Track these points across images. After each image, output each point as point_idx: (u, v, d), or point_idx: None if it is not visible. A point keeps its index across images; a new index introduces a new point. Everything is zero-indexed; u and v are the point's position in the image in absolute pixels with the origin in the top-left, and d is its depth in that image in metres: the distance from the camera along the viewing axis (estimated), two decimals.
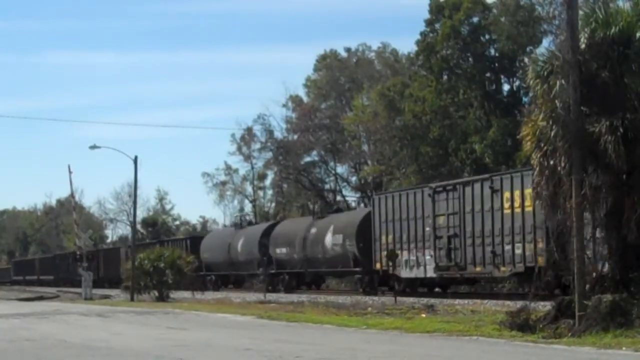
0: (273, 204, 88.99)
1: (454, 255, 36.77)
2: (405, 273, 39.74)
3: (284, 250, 50.80)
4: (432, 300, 34.11)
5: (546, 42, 52.56)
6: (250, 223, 63.98)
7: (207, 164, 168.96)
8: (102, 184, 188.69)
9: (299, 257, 48.94)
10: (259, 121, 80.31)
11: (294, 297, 43.02)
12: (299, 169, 78.60)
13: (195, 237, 66.87)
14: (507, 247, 33.69)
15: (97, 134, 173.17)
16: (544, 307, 22.74)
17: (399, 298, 36.31)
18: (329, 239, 46.30)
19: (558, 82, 19.87)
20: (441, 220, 37.39)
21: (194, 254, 58.47)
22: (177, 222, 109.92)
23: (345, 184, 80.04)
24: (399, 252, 39.60)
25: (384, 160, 64.80)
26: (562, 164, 19.82)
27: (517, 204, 33.16)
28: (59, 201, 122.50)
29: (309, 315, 28.27)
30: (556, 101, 20.00)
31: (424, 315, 27.09)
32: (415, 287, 40.49)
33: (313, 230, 48.24)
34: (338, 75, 78.31)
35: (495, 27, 55.05)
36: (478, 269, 35.62)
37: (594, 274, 20.02)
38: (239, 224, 61.62)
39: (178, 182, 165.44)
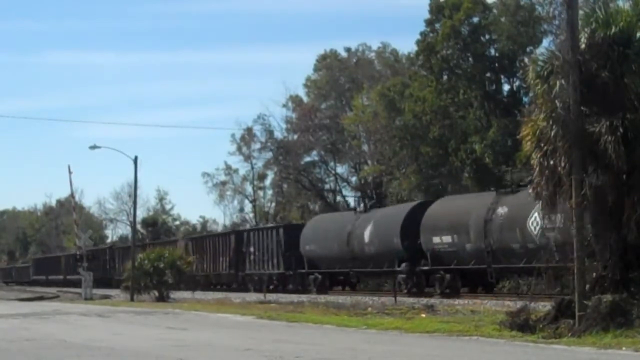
0: (273, 204, 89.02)
1: None
2: None
3: (446, 238, 37.68)
4: (432, 300, 34.12)
5: (546, 42, 52.58)
6: (373, 206, 48.80)
7: (207, 164, 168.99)
8: (102, 184, 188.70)
9: (475, 249, 36.17)
10: (259, 121, 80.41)
11: (294, 297, 43.01)
12: (299, 169, 78.60)
13: (291, 226, 54.87)
14: None
15: (97, 134, 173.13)
16: (544, 307, 22.74)
17: (399, 298, 36.30)
18: (534, 221, 33.05)
19: (558, 82, 19.87)
20: None
21: (290, 246, 49.73)
22: (177, 222, 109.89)
23: (345, 184, 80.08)
24: None
25: (384, 160, 64.80)
26: (562, 164, 19.82)
27: None
28: (59, 201, 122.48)
29: (309, 315, 28.28)
30: (556, 101, 20.01)
31: (424, 315, 27.10)
32: None
33: (501, 211, 35.23)
34: (338, 75, 78.31)
35: (495, 27, 55.04)
36: None
37: (594, 274, 20.02)
38: (363, 207, 48.71)
39: (178, 182, 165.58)
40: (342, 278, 48.30)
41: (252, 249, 53.67)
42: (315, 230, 49.11)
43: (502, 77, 56.84)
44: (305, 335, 21.18)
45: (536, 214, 32.61)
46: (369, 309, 31.56)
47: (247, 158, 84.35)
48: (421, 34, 57.31)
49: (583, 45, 19.85)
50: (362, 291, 46.71)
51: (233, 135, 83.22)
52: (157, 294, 46.02)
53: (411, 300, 35.51)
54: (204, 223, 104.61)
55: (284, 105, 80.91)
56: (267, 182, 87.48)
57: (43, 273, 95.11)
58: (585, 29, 20.01)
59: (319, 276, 47.55)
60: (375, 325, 23.11)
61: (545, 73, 20.27)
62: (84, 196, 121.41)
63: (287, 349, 17.41)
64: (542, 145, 20.23)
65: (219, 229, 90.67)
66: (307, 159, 79.04)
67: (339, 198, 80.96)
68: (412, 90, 58.55)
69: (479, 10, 55.68)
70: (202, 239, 63.73)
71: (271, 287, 50.90)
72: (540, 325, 19.59)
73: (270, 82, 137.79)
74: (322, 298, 40.75)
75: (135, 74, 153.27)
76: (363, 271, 44.93)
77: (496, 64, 56.00)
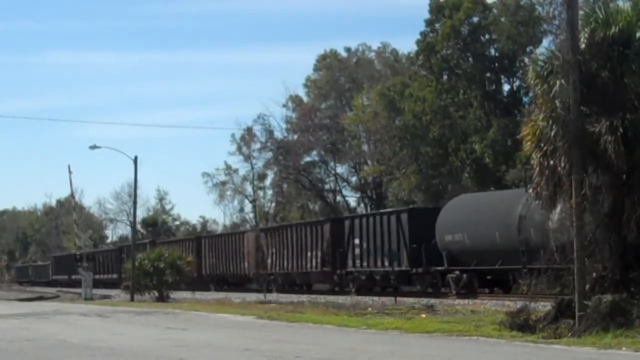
0: (273, 204, 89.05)
1: None
2: None
3: None
4: (432, 300, 34.10)
5: (546, 42, 52.66)
6: None
7: (207, 164, 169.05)
8: (102, 184, 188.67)
9: None
10: (259, 121, 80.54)
11: (294, 297, 42.97)
12: (299, 169, 78.65)
13: (419, 210, 43.89)
14: None
15: (97, 134, 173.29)
16: (544, 307, 22.73)
17: (399, 298, 36.29)
18: None
19: (558, 82, 19.87)
20: None
21: (418, 236, 38.88)
22: (177, 222, 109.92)
23: (345, 184, 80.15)
24: None
25: (384, 160, 64.84)
26: (562, 164, 19.82)
27: None
28: (59, 201, 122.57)
29: (309, 315, 28.26)
30: (556, 101, 20.00)
31: (424, 315, 27.09)
32: None
33: None
34: (338, 75, 78.40)
35: (495, 27, 55.08)
36: None
37: (594, 274, 20.01)
38: None
39: (178, 182, 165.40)
40: (490, 278, 37.06)
41: (357, 241, 43.16)
42: (462, 214, 37.35)
43: (502, 77, 56.92)
44: (305, 335, 21.17)
45: None
46: (369, 309, 31.56)
47: (247, 158, 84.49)
48: (421, 34, 57.40)
49: (583, 45, 19.85)
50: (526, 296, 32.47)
51: (233, 135, 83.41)
52: (157, 294, 46.01)
53: (411, 300, 35.49)
54: (204, 223, 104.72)
55: (284, 105, 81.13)
56: (267, 182, 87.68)
57: (65, 272, 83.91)
58: (585, 29, 20.01)
59: (465, 275, 36.51)
60: (375, 325, 23.09)
61: (545, 73, 20.27)
62: (84, 196, 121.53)
63: (287, 349, 17.40)
64: (542, 145, 20.23)
65: (219, 229, 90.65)
66: (307, 159, 79.20)
67: (339, 198, 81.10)
68: (412, 90, 58.60)
69: (479, 10, 55.74)
70: (281, 229, 52.57)
71: (378, 288, 43.05)
72: (540, 325, 19.58)
73: (270, 82, 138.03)
74: (322, 298, 40.70)
75: (135, 74, 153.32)
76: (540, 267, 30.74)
77: (496, 64, 56.06)
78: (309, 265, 47.84)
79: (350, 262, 43.73)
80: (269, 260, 51.71)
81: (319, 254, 46.73)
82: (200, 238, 62.29)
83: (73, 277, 76.45)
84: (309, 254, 47.72)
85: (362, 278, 43.30)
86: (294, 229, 50.68)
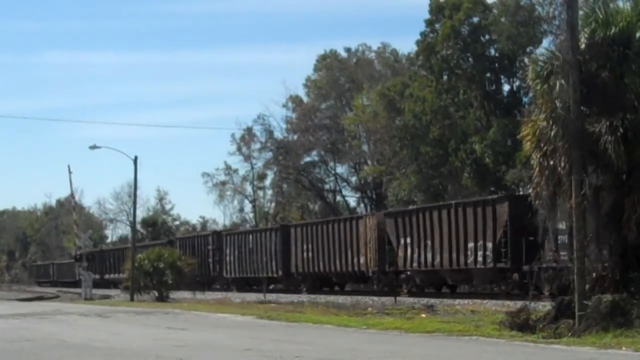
0: (273, 204, 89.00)
1: None
2: None
3: None
4: (432, 300, 34.11)
5: (546, 42, 52.62)
6: None
7: (207, 164, 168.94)
8: (102, 184, 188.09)
9: None
10: (259, 121, 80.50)
11: (294, 297, 43.00)
12: (299, 169, 78.64)
13: None
14: None
15: (97, 134, 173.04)
16: (544, 307, 22.76)
17: (398, 298, 36.31)
18: None
19: (558, 82, 19.88)
20: None
21: None
22: (177, 222, 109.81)
23: (345, 184, 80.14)
24: None
25: (384, 160, 64.82)
26: (562, 164, 19.83)
27: None
28: (59, 201, 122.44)
29: (309, 315, 28.27)
30: (556, 101, 20.01)
31: (424, 315, 27.11)
32: None
33: None
34: (338, 75, 78.37)
35: (495, 27, 55.07)
36: None
37: (594, 274, 20.02)
38: None
39: (178, 182, 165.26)
40: None
41: (561, 225, 29.32)
42: None
43: (502, 77, 56.90)
44: (305, 335, 21.18)
45: None
46: (369, 309, 31.57)
47: (247, 158, 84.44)
48: (421, 34, 57.40)
49: (583, 45, 19.87)
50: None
51: (233, 135, 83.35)
52: (157, 294, 46.01)
53: (411, 300, 35.49)
54: (204, 223, 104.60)
55: (284, 105, 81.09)
56: (267, 182, 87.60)
57: (97, 271, 70.30)
58: (585, 29, 20.03)
59: None
60: (375, 325, 23.10)
61: (545, 73, 20.28)
62: (84, 196, 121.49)
63: (287, 349, 17.40)
64: (542, 145, 20.24)
65: (219, 229, 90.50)
66: (307, 159, 79.18)
67: (338, 198, 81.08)
68: (412, 90, 58.60)
69: (479, 10, 55.73)
70: (422, 211, 40.14)
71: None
72: (540, 325, 19.60)
73: (270, 82, 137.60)
74: (322, 298, 40.70)
75: (135, 74, 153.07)
76: None
77: (496, 64, 56.04)
78: (470, 259, 36.52)
79: (548, 255, 32.08)
80: (401, 254, 40.62)
81: (490, 244, 35.34)
82: (288, 227, 51.76)
83: (106, 276, 70.33)
84: (470, 244, 36.47)
85: (570, 277, 29.59)
86: (443, 210, 38.41)
